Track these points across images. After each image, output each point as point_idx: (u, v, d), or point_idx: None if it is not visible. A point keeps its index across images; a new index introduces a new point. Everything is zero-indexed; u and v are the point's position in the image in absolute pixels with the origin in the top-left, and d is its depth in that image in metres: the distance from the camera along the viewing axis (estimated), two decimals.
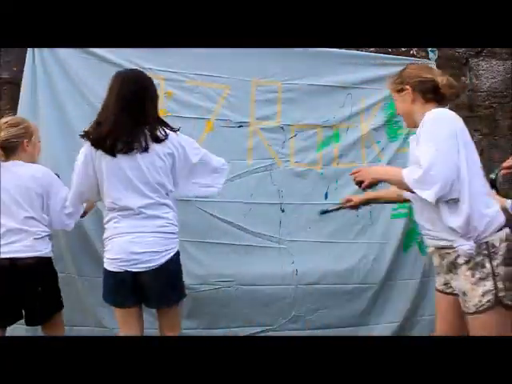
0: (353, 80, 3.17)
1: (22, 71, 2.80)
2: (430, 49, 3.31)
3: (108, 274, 2.25)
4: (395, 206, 3.14)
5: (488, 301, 1.90)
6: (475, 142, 3.47)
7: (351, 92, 3.17)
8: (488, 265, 1.91)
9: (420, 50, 3.43)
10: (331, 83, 3.16)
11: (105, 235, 2.29)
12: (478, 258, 1.93)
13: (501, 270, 1.90)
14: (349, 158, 3.16)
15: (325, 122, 3.16)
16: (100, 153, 2.20)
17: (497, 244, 1.93)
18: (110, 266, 2.23)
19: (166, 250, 2.22)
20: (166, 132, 2.22)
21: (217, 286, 2.96)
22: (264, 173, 3.08)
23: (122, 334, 2.28)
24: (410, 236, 3.21)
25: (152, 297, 2.25)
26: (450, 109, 2.08)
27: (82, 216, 2.55)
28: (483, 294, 1.90)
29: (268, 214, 3.07)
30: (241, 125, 3.04)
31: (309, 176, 3.14)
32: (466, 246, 1.93)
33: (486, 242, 1.93)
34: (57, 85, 2.80)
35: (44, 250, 2.41)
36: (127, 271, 2.19)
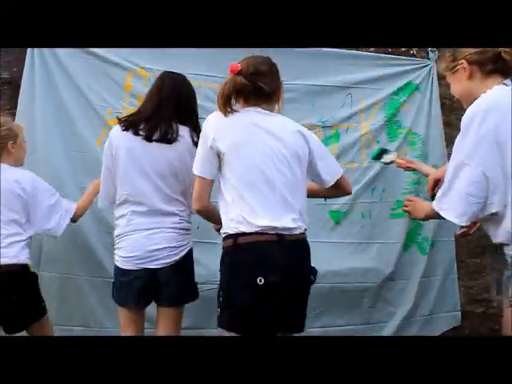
0: (353, 80, 3.17)
1: (21, 71, 2.80)
2: (429, 49, 3.31)
3: (122, 273, 2.21)
4: (394, 205, 3.15)
5: None
6: None
7: (351, 92, 3.17)
8: None
9: (420, 49, 3.42)
10: (331, 83, 3.15)
11: (117, 232, 2.27)
12: None
13: None
14: (349, 158, 3.15)
15: (325, 122, 3.16)
16: (121, 140, 2.21)
17: None
18: (124, 264, 2.21)
19: (182, 246, 2.24)
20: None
21: (217, 286, 2.95)
22: None
23: (123, 335, 2.27)
24: (410, 236, 3.21)
25: (167, 294, 2.22)
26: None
27: (74, 221, 2.49)
28: None
29: None
30: None
31: None
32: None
33: None
34: (57, 85, 2.80)
35: (18, 256, 2.31)
36: (145, 269, 2.17)
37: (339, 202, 3.10)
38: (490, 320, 3.39)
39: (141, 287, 2.19)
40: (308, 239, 3.26)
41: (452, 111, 3.48)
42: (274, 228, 1.84)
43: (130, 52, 2.84)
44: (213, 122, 1.98)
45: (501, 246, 1.78)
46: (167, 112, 2.23)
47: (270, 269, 1.82)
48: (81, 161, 2.78)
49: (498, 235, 1.73)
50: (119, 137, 2.24)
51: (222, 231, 1.98)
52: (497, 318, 2.84)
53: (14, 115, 2.79)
